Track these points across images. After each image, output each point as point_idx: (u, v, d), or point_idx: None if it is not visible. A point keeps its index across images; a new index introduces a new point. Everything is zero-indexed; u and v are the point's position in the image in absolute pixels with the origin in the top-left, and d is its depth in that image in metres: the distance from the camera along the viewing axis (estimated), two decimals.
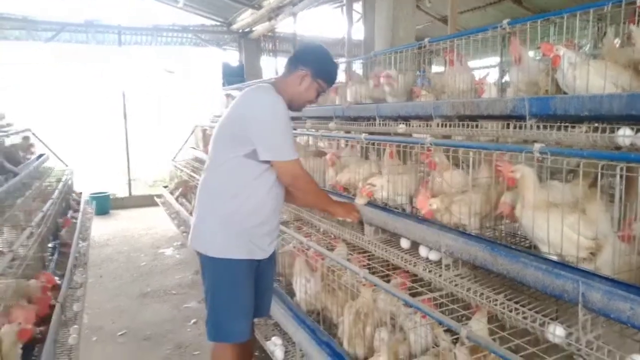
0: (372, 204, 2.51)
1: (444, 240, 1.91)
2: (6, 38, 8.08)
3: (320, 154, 3.57)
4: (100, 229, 6.92)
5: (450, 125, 2.23)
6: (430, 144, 2.18)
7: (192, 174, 6.42)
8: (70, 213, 5.95)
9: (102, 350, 3.46)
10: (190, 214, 5.66)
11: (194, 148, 7.93)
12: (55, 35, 7.74)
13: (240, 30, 8.90)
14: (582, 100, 1.60)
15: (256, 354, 3.25)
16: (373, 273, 2.24)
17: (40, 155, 6.47)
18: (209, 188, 2.18)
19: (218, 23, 9.06)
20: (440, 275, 1.92)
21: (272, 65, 9.33)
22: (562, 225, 1.50)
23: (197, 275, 4.68)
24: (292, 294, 2.97)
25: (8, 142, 5.36)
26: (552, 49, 1.71)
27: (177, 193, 6.80)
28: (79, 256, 4.32)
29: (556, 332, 1.40)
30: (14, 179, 4.27)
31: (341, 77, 3.78)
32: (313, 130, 3.89)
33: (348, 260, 2.51)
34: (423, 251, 2.11)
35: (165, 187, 8.07)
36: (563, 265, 1.48)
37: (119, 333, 3.69)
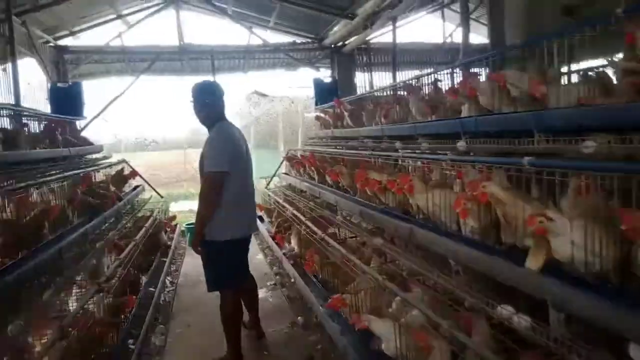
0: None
1: None
2: (109, 72, 8.41)
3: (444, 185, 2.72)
4: (194, 262, 6.55)
5: None
6: None
7: (295, 212, 5.34)
8: (161, 248, 5.69)
9: None
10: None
11: (287, 174, 7.42)
12: (151, 64, 7.78)
13: (333, 45, 8.32)
14: None
15: None
16: None
17: (136, 187, 6.40)
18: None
19: (309, 40, 8.59)
20: None
21: (367, 80, 8.60)
22: None
23: (294, 328, 3.94)
24: None
25: (100, 176, 5.22)
26: None
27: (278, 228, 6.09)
28: (163, 305, 3.85)
29: None
30: (97, 217, 4.00)
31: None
32: (430, 153, 3.04)
33: None
34: None
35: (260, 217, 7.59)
36: None
37: None
